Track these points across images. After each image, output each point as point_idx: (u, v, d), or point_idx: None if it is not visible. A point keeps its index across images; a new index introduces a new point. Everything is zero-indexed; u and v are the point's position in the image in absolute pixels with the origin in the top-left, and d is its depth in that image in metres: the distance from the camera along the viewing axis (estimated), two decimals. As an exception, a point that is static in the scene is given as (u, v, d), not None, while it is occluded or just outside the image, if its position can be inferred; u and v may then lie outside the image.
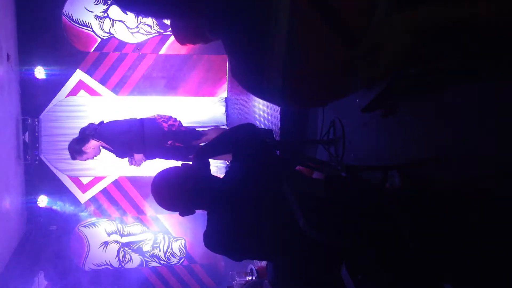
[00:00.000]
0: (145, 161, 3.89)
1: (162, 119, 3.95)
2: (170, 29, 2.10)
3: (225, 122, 5.91)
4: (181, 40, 2.07)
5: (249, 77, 0.89)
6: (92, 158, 3.89)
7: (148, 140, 3.77)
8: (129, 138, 3.73)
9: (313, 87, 0.83)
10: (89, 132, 3.78)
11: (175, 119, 4.02)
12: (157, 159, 3.98)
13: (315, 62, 0.78)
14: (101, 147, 3.87)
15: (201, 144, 3.82)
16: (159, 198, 1.73)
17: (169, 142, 3.85)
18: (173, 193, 1.71)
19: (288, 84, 0.81)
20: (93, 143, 3.78)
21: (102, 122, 3.91)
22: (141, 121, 3.92)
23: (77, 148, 3.79)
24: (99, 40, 5.50)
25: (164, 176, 1.74)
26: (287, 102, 0.92)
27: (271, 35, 0.76)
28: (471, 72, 0.95)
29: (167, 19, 1.89)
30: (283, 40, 0.75)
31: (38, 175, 5.40)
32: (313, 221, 1.36)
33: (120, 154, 3.89)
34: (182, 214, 1.75)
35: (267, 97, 0.94)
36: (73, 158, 3.85)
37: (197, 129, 4.27)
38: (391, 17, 0.72)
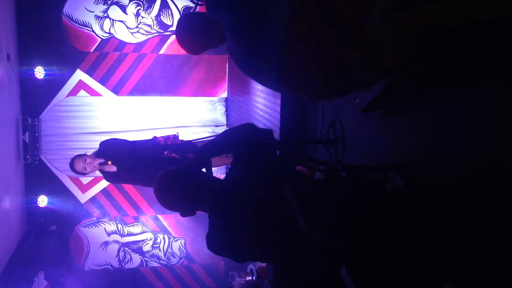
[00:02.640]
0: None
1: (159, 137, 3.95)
2: (181, 45, 2.02)
3: (225, 122, 5.91)
4: (193, 50, 2.04)
5: (247, 60, 0.89)
6: (85, 172, 3.70)
7: (142, 153, 3.73)
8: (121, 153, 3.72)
9: (309, 74, 0.83)
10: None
11: (172, 135, 4.02)
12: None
13: (310, 49, 0.78)
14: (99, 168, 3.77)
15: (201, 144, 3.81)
16: (161, 197, 1.74)
17: (165, 153, 3.83)
18: (175, 193, 1.72)
19: (284, 69, 0.82)
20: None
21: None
22: (139, 141, 3.92)
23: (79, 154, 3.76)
24: (99, 40, 5.50)
25: (167, 176, 1.76)
26: (283, 88, 0.93)
27: (270, 18, 0.76)
28: (471, 71, 0.95)
29: None
30: (281, 25, 0.76)
31: (38, 175, 5.40)
32: (313, 221, 1.35)
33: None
34: (183, 214, 1.76)
35: (263, 80, 0.94)
36: (72, 161, 3.76)
37: (194, 141, 4.21)
38: (392, 17, 0.72)
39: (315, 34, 0.76)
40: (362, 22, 0.74)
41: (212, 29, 1.60)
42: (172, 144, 3.88)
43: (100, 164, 3.65)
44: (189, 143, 4.05)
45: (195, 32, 1.79)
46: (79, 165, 3.68)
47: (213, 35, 1.69)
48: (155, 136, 3.99)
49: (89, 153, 3.75)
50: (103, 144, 3.82)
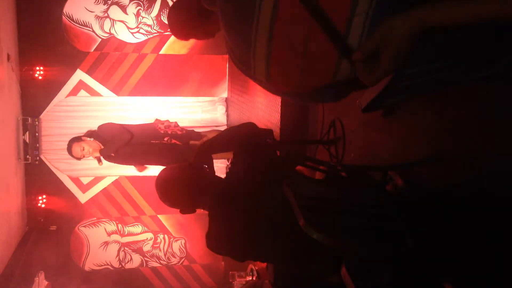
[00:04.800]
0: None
1: (160, 123, 3.97)
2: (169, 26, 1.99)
3: (225, 122, 5.91)
4: (179, 33, 2.00)
5: (239, 54, 0.90)
6: (83, 158, 3.79)
7: (140, 141, 3.75)
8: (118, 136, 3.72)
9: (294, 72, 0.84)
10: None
11: (173, 123, 4.04)
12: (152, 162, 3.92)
13: (297, 55, 0.79)
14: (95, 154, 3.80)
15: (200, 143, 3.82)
16: (162, 193, 1.75)
17: (165, 139, 3.84)
18: (175, 190, 1.73)
19: (272, 66, 0.82)
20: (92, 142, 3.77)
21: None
22: (138, 125, 3.95)
23: (77, 137, 3.78)
24: (99, 40, 5.50)
25: (168, 172, 1.76)
26: (272, 89, 0.93)
27: (256, 17, 0.77)
28: (471, 71, 0.95)
29: None
30: (266, 24, 0.76)
31: (38, 175, 5.40)
32: (313, 221, 1.36)
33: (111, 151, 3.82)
34: (183, 212, 1.77)
35: (254, 78, 0.94)
36: (70, 146, 3.78)
37: (196, 130, 4.25)
38: (392, 17, 0.72)
39: (301, 38, 0.77)
40: (345, 21, 0.74)
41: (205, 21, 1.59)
42: (172, 133, 3.89)
43: (100, 151, 3.70)
44: (191, 131, 4.07)
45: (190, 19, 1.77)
46: (77, 152, 3.74)
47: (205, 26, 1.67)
48: (157, 120, 4.00)
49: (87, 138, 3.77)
50: (101, 128, 3.82)
